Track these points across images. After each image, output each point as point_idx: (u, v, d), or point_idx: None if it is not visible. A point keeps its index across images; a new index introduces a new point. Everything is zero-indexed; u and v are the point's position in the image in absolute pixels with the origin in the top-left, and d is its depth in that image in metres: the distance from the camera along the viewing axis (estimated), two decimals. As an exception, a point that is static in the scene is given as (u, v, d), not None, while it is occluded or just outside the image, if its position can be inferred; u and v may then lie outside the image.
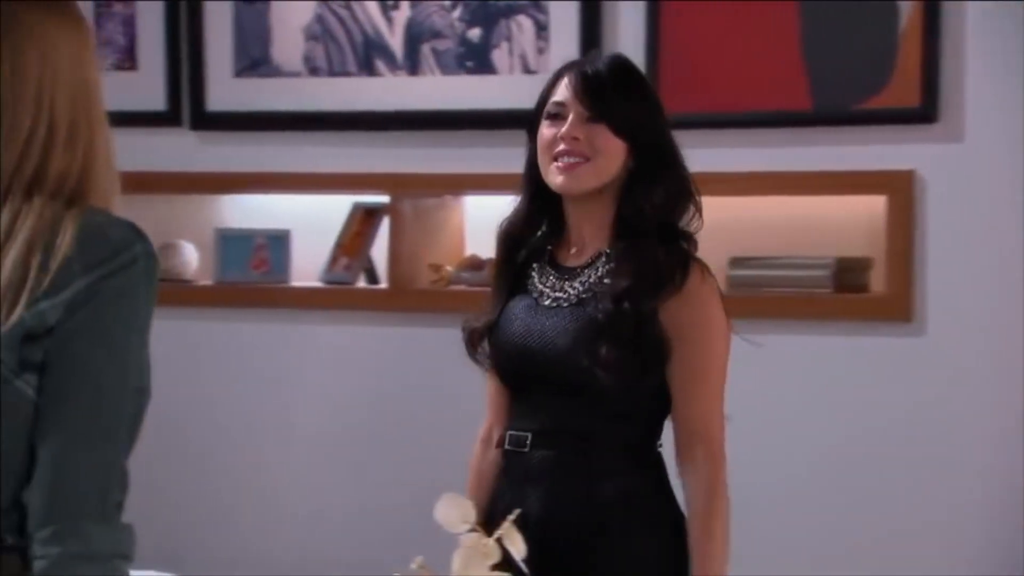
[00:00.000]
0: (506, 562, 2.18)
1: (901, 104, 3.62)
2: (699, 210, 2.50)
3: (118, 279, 1.63)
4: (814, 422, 3.69)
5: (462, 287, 3.88)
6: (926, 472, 3.59)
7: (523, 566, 2.18)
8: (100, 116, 1.74)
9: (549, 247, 2.51)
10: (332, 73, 4.06)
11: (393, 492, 3.86)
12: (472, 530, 2.12)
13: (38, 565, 1.59)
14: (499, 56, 3.92)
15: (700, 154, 3.79)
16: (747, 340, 2.49)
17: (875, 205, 3.66)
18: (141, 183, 4.18)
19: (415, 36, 4.01)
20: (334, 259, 4.05)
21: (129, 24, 4.21)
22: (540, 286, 2.47)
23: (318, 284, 4.06)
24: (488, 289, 2.61)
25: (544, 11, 3.89)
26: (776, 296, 3.71)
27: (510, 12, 3.92)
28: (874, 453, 3.64)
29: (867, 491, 3.65)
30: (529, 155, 2.51)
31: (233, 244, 4.10)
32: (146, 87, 4.17)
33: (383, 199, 4.00)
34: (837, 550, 3.65)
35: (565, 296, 2.44)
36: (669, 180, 2.46)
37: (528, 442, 2.41)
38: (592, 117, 2.44)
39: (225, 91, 4.12)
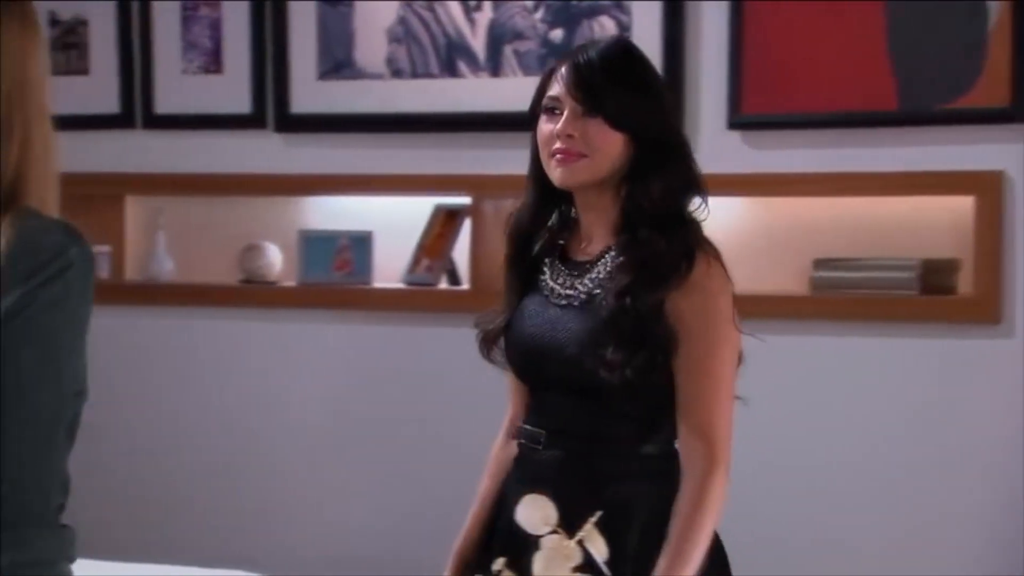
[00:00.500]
0: (588, 564, 2.17)
1: (989, 104, 3.57)
2: (705, 200, 2.38)
3: (53, 287, 1.63)
4: (900, 425, 3.65)
5: (544, 288, 3.87)
6: (1019, 475, 3.54)
7: (605, 568, 2.16)
8: (39, 115, 1.71)
9: (561, 241, 2.44)
10: (415, 75, 4.07)
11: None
12: (553, 532, 2.11)
13: None
14: (581, 57, 3.91)
15: (784, 155, 3.80)
16: (756, 337, 2.41)
17: (962, 206, 3.61)
18: (226, 185, 4.22)
19: (497, 37, 4.01)
20: (416, 260, 4.05)
21: (215, 27, 4.25)
22: (551, 283, 2.41)
23: (400, 285, 4.07)
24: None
25: (626, 12, 3.88)
26: (861, 298, 3.67)
27: (592, 13, 3.91)
28: (963, 457, 3.59)
29: (956, 493, 3.60)
30: (533, 149, 2.42)
31: (316, 245, 4.12)
32: (231, 90, 4.21)
33: (465, 200, 4.00)
34: (936, 551, 3.60)
35: (575, 294, 2.37)
36: (671, 171, 2.34)
37: (543, 440, 2.38)
38: (586, 111, 2.32)
39: (309, 93, 4.14)
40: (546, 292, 2.40)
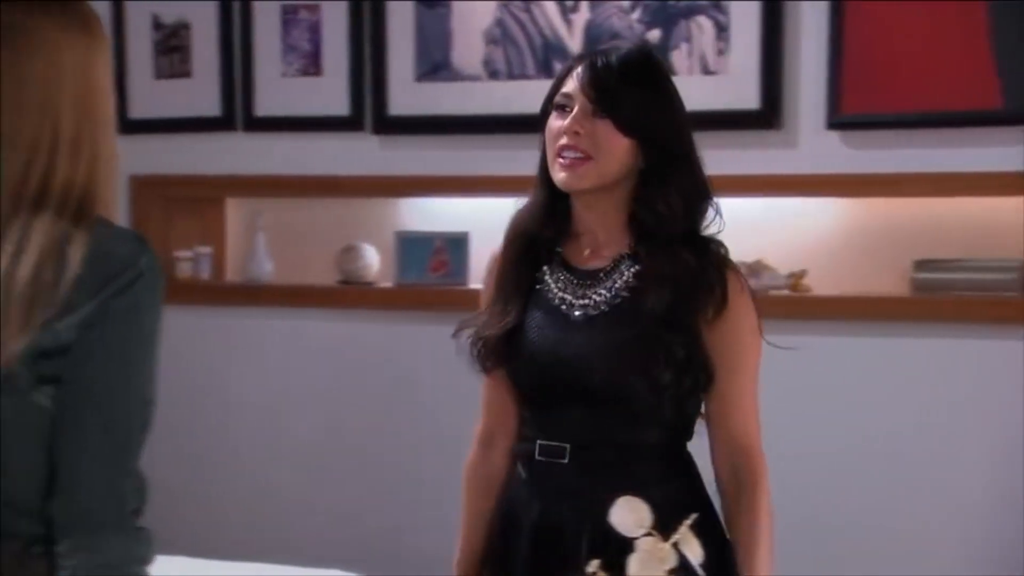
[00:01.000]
0: (682, 567, 2.16)
1: (1096, 102, 3.51)
2: (718, 212, 2.34)
3: (126, 297, 1.68)
4: (1010, 428, 3.59)
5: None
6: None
7: (700, 571, 2.15)
8: (106, 123, 1.75)
9: (559, 248, 2.37)
10: (511, 76, 4.07)
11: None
12: (648, 534, 2.10)
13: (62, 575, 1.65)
14: (678, 57, 3.89)
15: (884, 155, 3.75)
16: (773, 344, 2.36)
17: (1068, 206, 3.55)
18: (324, 186, 4.26)
19: (594, 38, 4.00)
20: (513, 261, 4.06)
21: (315, 30, 4.28)
22: (559, 292, 2.33)
23: (497, 286, 4.08)
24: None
25: (724, 12, 3.85)
26: (962, 299, 3.62)
27: (690, 13, 3.89)
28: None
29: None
30: (542, 148, 2.36)
31: (412, 247, 4.14)
32: (330, 92, 4.24)
33: (562, 201, 4.00)
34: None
35: (591, 304, 2.31)
36: (679, 181, 2.29)
37: (567, 453, 2.29)
38: (597, 111, 2.28)
39: (406, 95, 4.16)
40: (556, 301, 2.33)
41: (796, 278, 3.79)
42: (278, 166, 4.29)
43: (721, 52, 3.85)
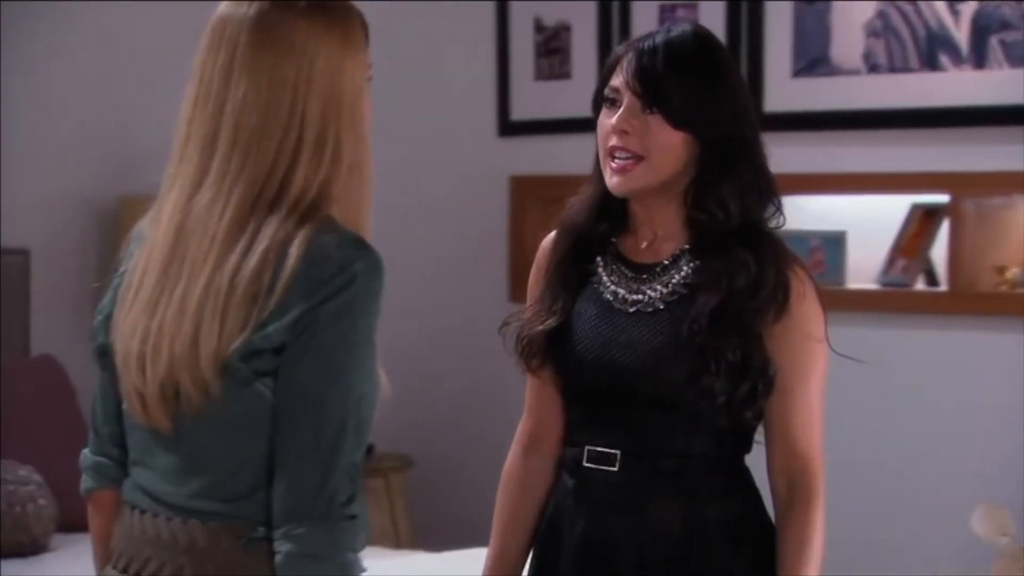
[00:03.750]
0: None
1: None
2: (779, 208, 2.16)
3: (336, 302, 1.72)
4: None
5: (1028, 290, 3.70)
6: None
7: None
8: (353, 126, 1.78)
9: (613, 240, 2.20)
10: (892, 70, 3.97)
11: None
12: (1009, 539, 2.00)
13: (276, 559, 1.74)
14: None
15: None
16: (839, 354, 2.17)
17: None
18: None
19: (983, 28, 3.85)
20: (891, 261, 3.97)
21: (692, 28, 4.28)
22: (613, 286, 2.17)
23: (874, 286, 4.00)
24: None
25: None
26: None
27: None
28: None
29: None
30: (597, 144, 2.18)
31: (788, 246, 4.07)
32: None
33: (943, 199, 3.88)
34: None
35: (646, 299, 2.14)
36: (739, 175, 2.11)
37: (618, 461, 2.13)
38: (646, 106, 2.11)
39: (783, 92, 4.11)
40: (608, 296, 2.17)
41: None
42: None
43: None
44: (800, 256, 2.19)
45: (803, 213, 4.13)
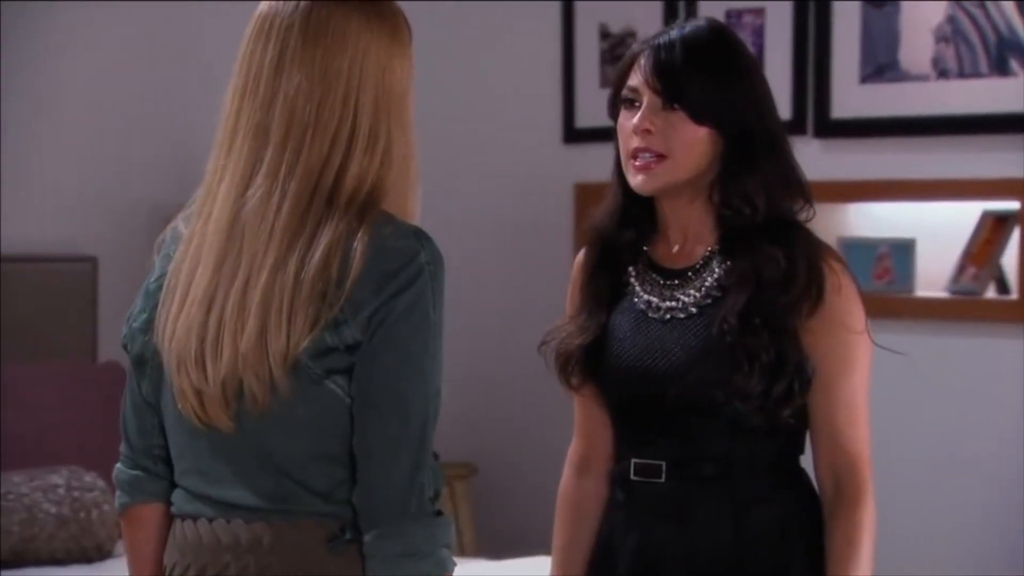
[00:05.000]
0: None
1: None
2: (808, 200, 2.11)
3: (407, 295, 1.72)
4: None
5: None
6: None
7: None
8: (401, 123, 1.79)
9: (644, 247, 2.17)
10: (962, 75, 3.92)
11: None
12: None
13: (369, 564, 1.73)
14: None
15: None
16: (884, 348, 2.15)
17: None
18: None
19: (1055, 33, 3.80)
20: (961, 268, 3.92)
21: (758, 34, 4.25)
22: (646, 295, 2.14)
23: (944, 294, 3.95)
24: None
25: None
26: None
27: None
28: None
29: None
30: (616, 147, 2.15)
31: (856, 253, 4.03)
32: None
33: (1014, 206, 3.84)
34: None
35: (679, 305, 2.11)
36: (764, 169, 2.07)
37: (663, 471, 2.10)
38: (666, 103, 2.08)
39: (850, 97, 4.08)
40: (641, 306, 2.14)
41: None
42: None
43: None
44: (836, 250, 2.16)
45: (871, 220, 4.10)
